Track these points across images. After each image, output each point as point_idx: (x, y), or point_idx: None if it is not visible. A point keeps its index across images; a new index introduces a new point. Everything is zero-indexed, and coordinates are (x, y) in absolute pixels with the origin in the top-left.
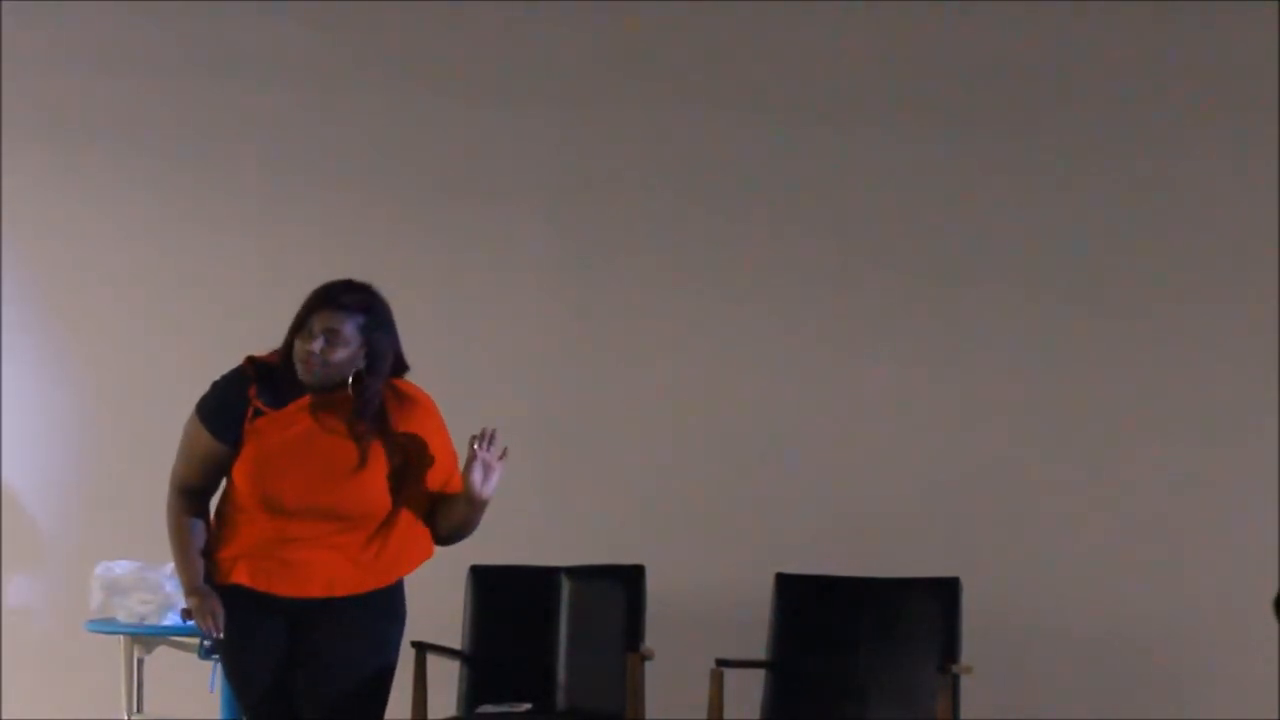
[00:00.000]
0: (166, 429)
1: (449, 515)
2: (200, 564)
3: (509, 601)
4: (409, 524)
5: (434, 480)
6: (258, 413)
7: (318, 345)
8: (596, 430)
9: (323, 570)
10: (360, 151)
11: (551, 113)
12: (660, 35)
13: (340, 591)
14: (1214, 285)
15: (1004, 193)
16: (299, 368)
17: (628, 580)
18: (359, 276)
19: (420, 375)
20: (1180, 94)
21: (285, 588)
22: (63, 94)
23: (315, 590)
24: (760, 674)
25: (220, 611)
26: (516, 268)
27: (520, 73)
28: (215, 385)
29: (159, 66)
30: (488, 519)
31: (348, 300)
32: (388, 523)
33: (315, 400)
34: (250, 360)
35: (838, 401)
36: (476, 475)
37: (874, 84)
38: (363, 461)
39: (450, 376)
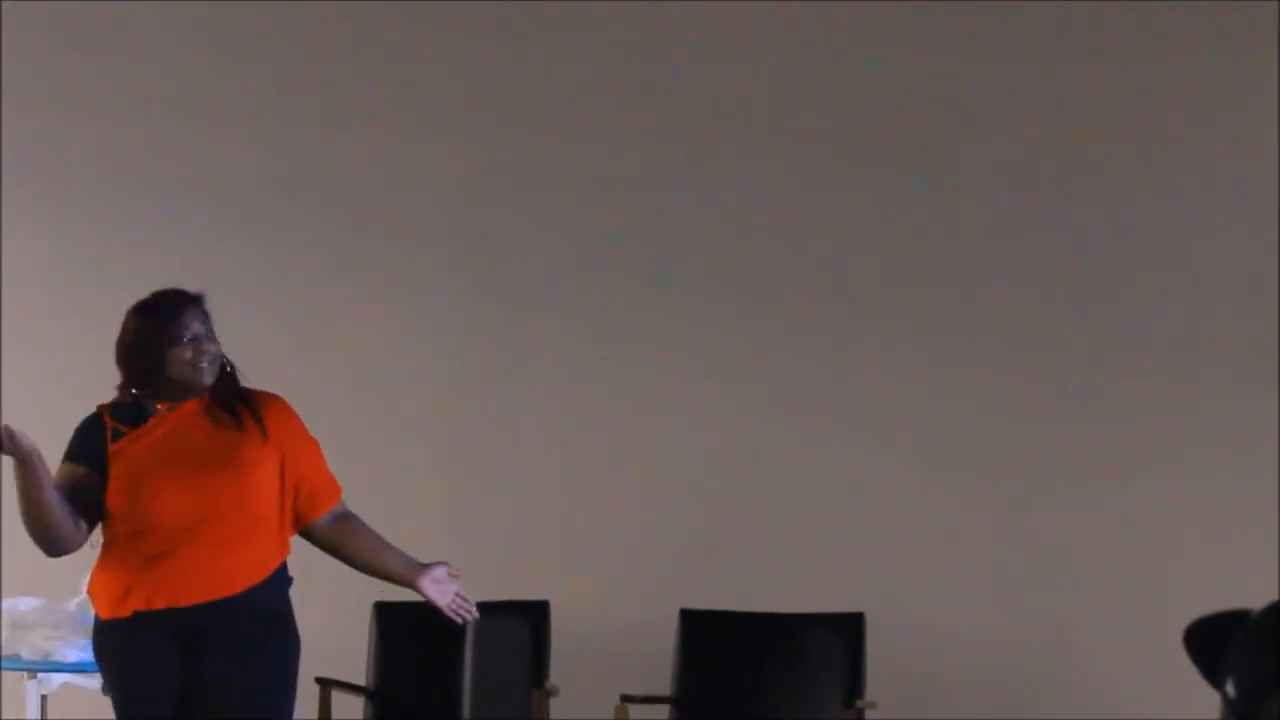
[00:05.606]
0: None
1: (348, 548)
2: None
3: (414, 637)
4: (285, 512)
5: (304, 472)
6: (117, 434)
7: (209, 343)
8: (500, 466)
9: (217, 573)
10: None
11: (465, 145)
12: (582, 75)
13: (241, 587)
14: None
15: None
16: (196, 372)
17: (532, 616)
18: (290, 311)
19: (324, 411)
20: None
21: (186, 597)
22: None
23: (220, 592)
24: (665, 709)
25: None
26: (422, 306)
27: (436, 106)
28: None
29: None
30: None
31: (196, 298)
32: (264, 515)
33: (169, 413)
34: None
35: (741, 439)
36: (432, 595)
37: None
38: (235, 452)
39: (354, 413)
